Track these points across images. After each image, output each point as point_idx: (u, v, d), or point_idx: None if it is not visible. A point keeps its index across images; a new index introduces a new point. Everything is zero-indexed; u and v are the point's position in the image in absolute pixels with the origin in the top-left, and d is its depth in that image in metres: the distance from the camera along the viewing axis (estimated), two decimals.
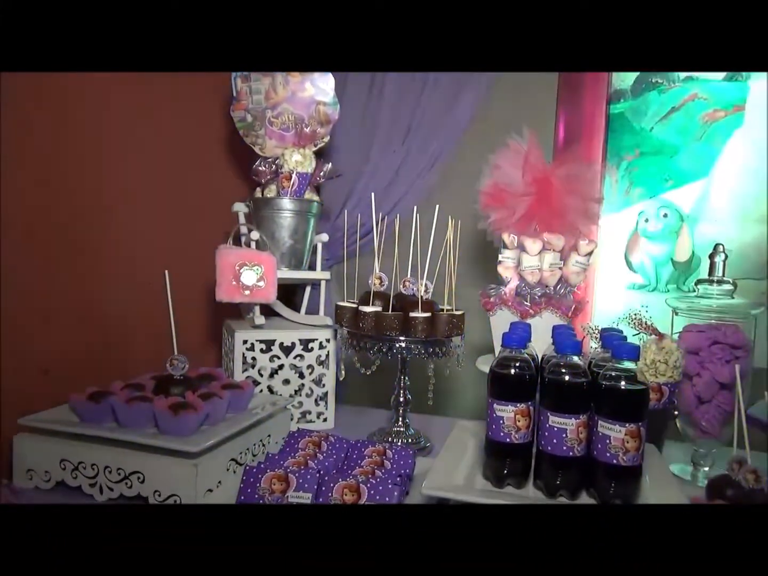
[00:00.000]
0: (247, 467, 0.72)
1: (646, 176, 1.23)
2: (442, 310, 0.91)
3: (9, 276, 0.83)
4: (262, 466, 0.73)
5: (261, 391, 1.01)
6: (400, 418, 1.00)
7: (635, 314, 0.84)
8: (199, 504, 0.70)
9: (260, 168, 1.09)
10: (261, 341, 1.01)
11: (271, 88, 1.09)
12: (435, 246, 0.91)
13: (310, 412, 1.05)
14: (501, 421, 0.66)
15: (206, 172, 1.22)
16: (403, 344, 0.89)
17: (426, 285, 0.92)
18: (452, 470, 0.70)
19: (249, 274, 0.97)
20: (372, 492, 0.69)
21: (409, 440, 0.97)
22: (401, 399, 0.99)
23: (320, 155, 1.15)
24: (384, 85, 1.25)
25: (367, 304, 0.91)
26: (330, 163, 1.13)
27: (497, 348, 0.89)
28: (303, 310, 1.15)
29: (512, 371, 0.66)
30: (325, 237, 1.15)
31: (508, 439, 0.66)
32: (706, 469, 0.87)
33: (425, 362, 0.94)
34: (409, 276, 0.94)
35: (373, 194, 0.96)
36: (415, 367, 1.00)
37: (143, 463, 0.71)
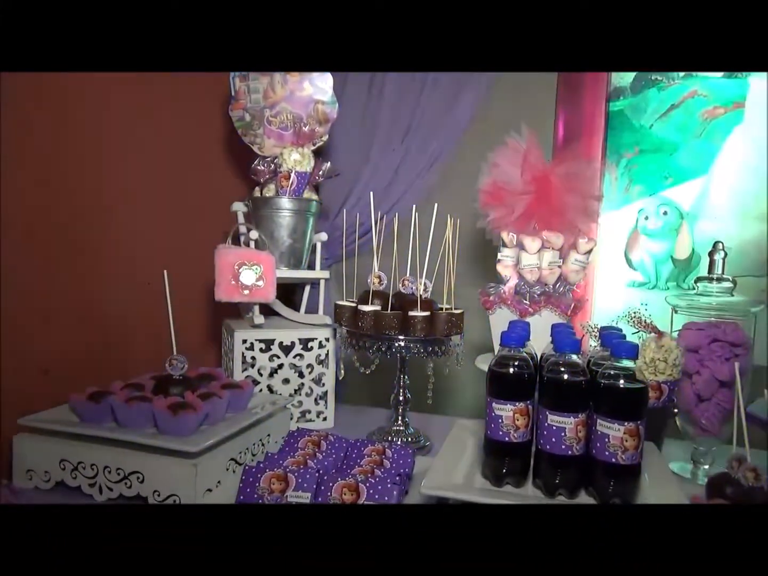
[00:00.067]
0: (247, 467, 0.72)
1: (645, 174, 1.22)
2: (441, 309, 0.91)
3: (9, 276, 0.83)
4: (261, 465, 0.73)
5: (261, 390, 1.01)
6: (400, 417, 1.00)
7: (634, 312, 0.83)
8: (198, 504, 0.70)
9: (259, 167, 1.09)
10: (260, 341, 1.01)
11: (269, 87, 1.09)
12: (434, 245, 0.91)
13: (309, 412, 1.05)
14: (500, 420, 0.66)
15: (205, 171, 1.22)
16: (402, 343, 0.89)
17: (425, 284, 0.92)
18: (451, 469, 0.70)
19: (248, 273, 0.97)
20: (371, 491, 0.69)
21: (409, 439, 0.97)
22: (401, 398, 1.00)
23: (319, 154, 1.15)
24: (384, 84, 1.25)
25: (366, 303, 0.91)
26: (329, 162, 1.12)
27: (497, 347, 0.89)
28: (302, 309, 1.15)
29: (511, 370, 0.66)
30: (324, 236, 1.15)
31: (506, 438, 0.66)
32: (706, 467, 0.87)
33: (424, 361, 0.94)
34: (408, 275, 0.94)
35: (372, 193, 0.96)
36: (414, 366, 1.00)
37: (143, 463, 0.72)
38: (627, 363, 0.63)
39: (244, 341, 1.00)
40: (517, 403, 0.65)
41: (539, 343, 0.75)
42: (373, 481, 0.70)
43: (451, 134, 1.25)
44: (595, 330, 0.83)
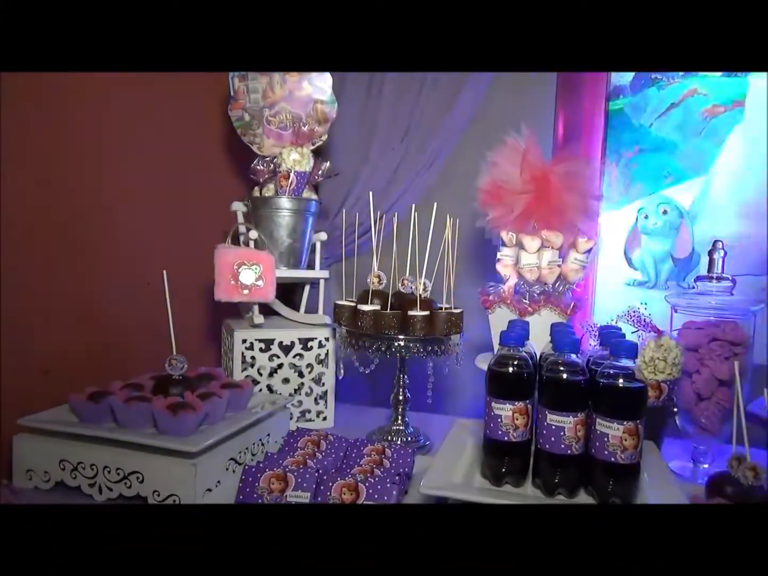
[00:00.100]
0: (246, 467, 0.72)
1: (645, 172, 1.22)
2: (441, 308, 0.91)
3: (9, 276, 0.83)
4: (261, 465, 0.73)
5: (260, 390, 1.01)
6: (400, 417, 1.00)
7: (633, 311, 0.83)
8: (198, 504, 0.70)
9: (258, 167, 1.09)
10: (260, 340, 1.01)
11: (268, 87, 1.09)
12: (433, 244, 0.91)
13: (309, 411, 1.05)
14: (499, 420, 0.66)
15: (204, 171, 1.22)
16: (402, 343, 0.89)
17: (425, 283, 0.92)
18: (451, 469, 0.70)
19: (247, 273, 0.97)
20: (370, 491, 0.69)
21: (409, 439, 0.97)
22: (400, 397, 1.00)
23: (318, 154, 1.15)
24: (383, 84, 1.25)
25: (365, 302, 0.91)
26: (328, 162, 1.12)
27: (496, 346, 0.89)
28: (302, 309, 1.15)
29: (510, 369, 0.66)
30: (323, 236, 1.15)
31: (506, 438, 0.66)
32: (706, 466, 0.87)
33: (424, 361, 0.94)
34: (407, 274, 0.94)
35: (371, 193, 0.96)
36: (414, 365, 1.00)
37: (142, 463, 0.72)
38: (626, 362, 0.63)
39: (244, 341, 1.00)
40: (516, 403, 0.65)
41: (539, 342, 0.75)
42: (372, 480, 0.70)
43: (451, 134, 1.25)
44: (595, 329, 0.83)
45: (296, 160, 1.06)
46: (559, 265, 0.94)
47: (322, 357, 1.05)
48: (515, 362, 0.66)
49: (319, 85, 1.11)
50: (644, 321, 0.83)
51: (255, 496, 0.70)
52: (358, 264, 0.98)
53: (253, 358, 1.01)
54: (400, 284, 0.94)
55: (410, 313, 0.88)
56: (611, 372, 0.63)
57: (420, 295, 0.90)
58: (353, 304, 0.93)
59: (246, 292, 0.97)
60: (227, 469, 0.77)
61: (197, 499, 0.70)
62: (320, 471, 0.73)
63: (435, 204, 0.93)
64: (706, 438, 0.86)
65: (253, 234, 1.04)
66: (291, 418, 1.01)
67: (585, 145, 1.20)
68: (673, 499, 0.63)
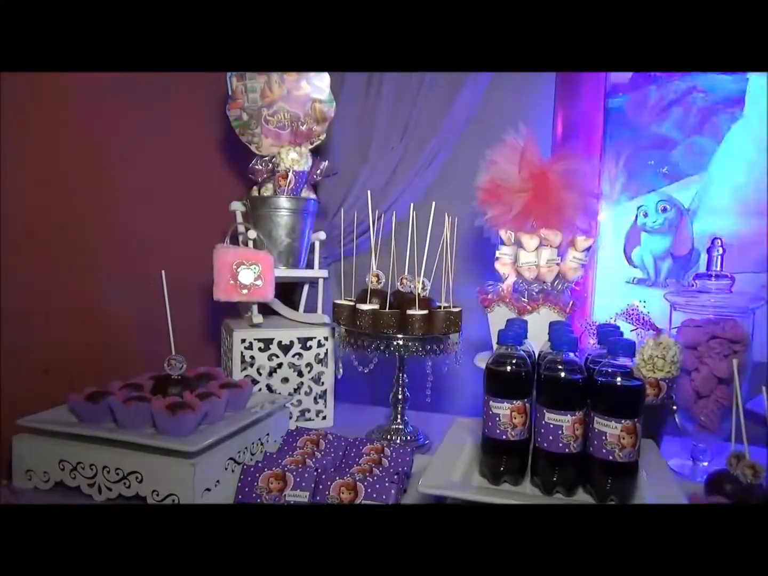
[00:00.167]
0: (245, 466, 0.72)
1: (644, 170, 1.22)
2: (440, 307, 0.91)
3: (9, 276, 0.83)
4: (259, 465, 0.73)
5: (260, 389, 1.01)
6: (399, 416, 1.00)
7: (632, 309, 0.83)
8: (197, 504, 0.70)
9: (257, 167, 1.09)
10: (259, 340, 1.01)
11: (266, 86, 1.09)
12: (432, 243, 0.91)
13: (309, 411, 1.05)
14: (497, 419, 0.66)
15: (203, 171, 1.22)
16: (401, 342, 0.89)
17: (423, 282, 0.92)
18: (449, 468, 0.70)
19: (246, 273, 0.97)
20: (369, 490, 0.69)
21: (408, 438, 0.97)
22: (399, 396, 1.00)
23: (317, 153, 1.15)
24: (382, 83, 1.25)
25: (364, 302, 0.91)
26: (327, 161, 1.12)
27: (495, 345, 0.89)
28: (301, 308, 1.15)
29: (508, 368, 0.66)
30: (322, 235, 1.15)
31: (504, 437, 0.66)
32: (705, 464, 0.87)
33: (423, 360, 0.94)
34: (406, 273, 0.94)
35: (369, 192, 0.96)
36: (413, 364, 1.00)
37: (141, 463, 0.72)
38: (624, 361, 0.63)
39: (243, 340, 1.00)
40: (514, 402, 0.65)
41: (537, 341, 0.75)
42: (371, 479, 0.70)
43: (450, 133, 1.25)
44: (593, 327, 0.83)
45: (295, 159, 1.06)
46: (557, 264, 0.94)
47: (322, 356, 1.05)
48: (513, 361, 0.66)
49: (317, 85, 1.11)
50: (643, 319, 0.83)
51: (254, 495, 0.70)
52: (357, 263, 0.98)
53: (252, 357, 1.01)
54: (398, 283, 0.94)
55: (409, 312, 0.88)
56: (609, 370, 0.63)
57: (419, 294, 0.90)
58: (352, 303, 0.93)
59: (245, 291, 0.97)
60: (226, 469, 0.77)
61: (196, 498, 0.70)
62: (319, 470, 0.73)
63: (433, 203, 0.93)
64: (706, 436, 0.86)
65: (252, 234, 1.04)
66: (290, 418, 1.01)
67: (584, 143, 1.19)
68: (672, 498, 0.63)
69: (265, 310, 1.07)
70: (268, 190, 1.10)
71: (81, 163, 0.95)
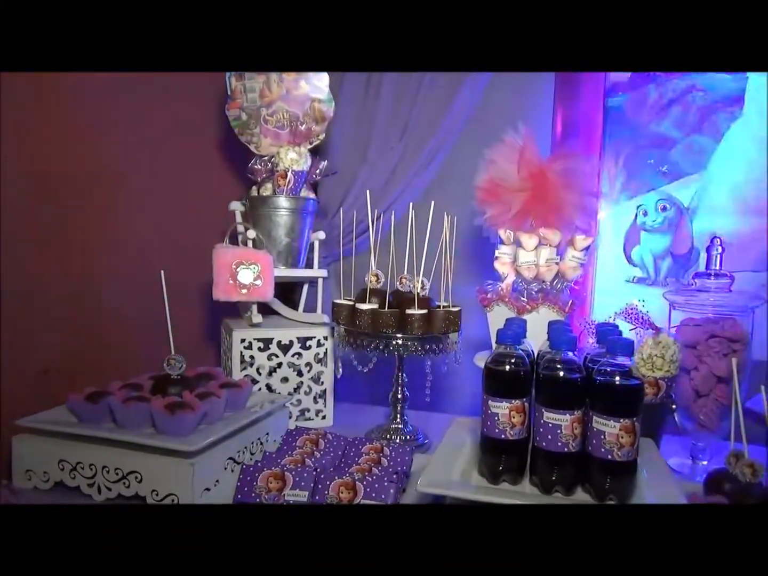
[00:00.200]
0: (244, 466, 0.72)
1: (644, 169, 1.22)
2: (439, 306, 0.91)
3: (9, 276, 0.83)
4: (259, 464, 0.73)
5: (259, 389, 1.01)
6: (398, 415, 1.00)
7: (631, 309, 0.83)
8: (196, 504, 0.70)
9: (256, 166, 1.09)
10: (259, 339, 1.01)
11: (265, 86, 1.09)
12: (431, 242, 0.91)
13: (308, 410, 1.05)
14: (496, 418, 0.66)
15: (202, 171, 1.22)
16: (400, 341, 0.89)
17: (423, 282, 0.92)
18: (448, 467, 0.70)
19: (246, 272, 0.97)
20: (368, 489, 0.69)
21: (407, 437, 0.97)
22: (399, 396, 1.00)
23: (316, 153, 1.15)
24: (381, 83, 1.25)
25: (363, 301, 0.91)
26: (326, 161, 1.12)
27: (494, 344, 0.89)
28: (301, 308, 1.15)
29: (506, 368, 0.66)
30: (321, 234, 1.15)
31: (503, 436, 0.66)
32: (705, 463, 0.87)
33: (423, 359, 0.94)
34: (405, 273, 0.94)
35: (368, 192, 0.96)
36: (413, 363, 1.00)
37: (141, 462, 0.72)
38: (622, 360, 0.63)
39: (243, 340, 1.01)
40: (513, 401, 0.65)
41: (537, 340, 0.75)
42: (370, 479, 0.70)
43: (449, 132, 1.25)
44: (592, 326, 0.83)
45: (294, 159, 1.06)
46: (557, 263, 0.94)
47: (321, 356, 1.05)
48: (512, 360, 0.66)
49: (316, 84, 1.11)
50: (642, 318, 0.83)
51: (253, 495, 0.70)
52: (356, 263, 0.98)
53: (251, 357, 1.01)
54: (398, 283, 0.94)
55: (408, 311, 0.88)
56: (608, 369, 0.63)
57: (418, 293, 0.90)
58: (351, 302, 0.93)
59: (244, 291, 0.97)
60: (226, 469, 0.77)
61: (195, 498, 0.70)
62: (318, 470, 0.73)
63: (432, 202, 0.93)
64: (705, 435, 0.86)
65: (251, 233, 1.04)
66: (290, 417, 1.01)
67: (583, 142, 1.19)
68: (671, 497, 0.63)
69: (265, 309, 1.07)
70: (267, 189, 1.10)
71: (80, 163, 0.95)
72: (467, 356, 0.97)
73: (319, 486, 0.70)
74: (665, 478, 0.69)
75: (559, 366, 0.64)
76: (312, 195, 1.13)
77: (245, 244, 1.06)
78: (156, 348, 0.88)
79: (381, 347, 0.89)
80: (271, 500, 0.70)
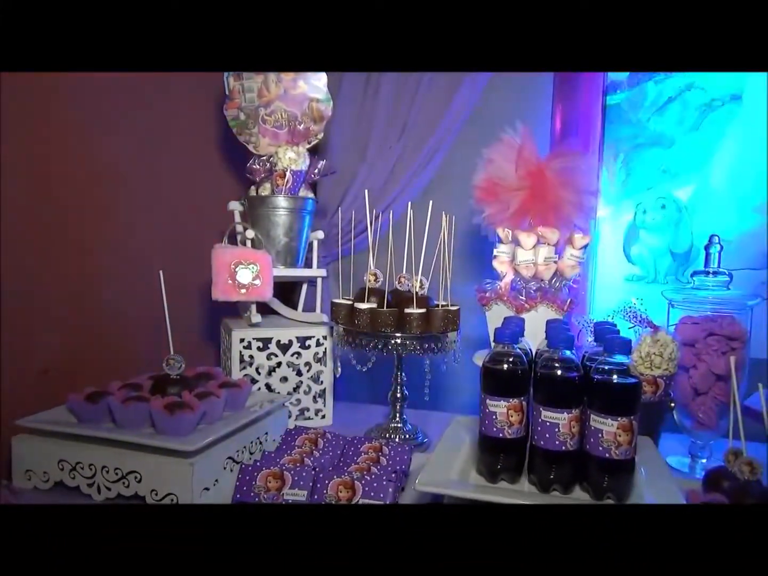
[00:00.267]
0: (243, 465, 0.72)
1: (643, 167, 1.22)
2: (438, 305, 0.91)
3: (9, 276, 0.84)
4: (258, 464, 0.73)
5: (259, 389, 1.01)
6: (398, 414, 1.00)
7: (629, 307, 0.83)
8: (196, 503, 0.70)
9: (254, 166, 1.09)
10: (258, 339, 1.02)
11: (263, 86, 1.09)
12: (430, 242, 0.91)
13: (308, 410, 1.06)
14: (494, 417, 0.66)
15: (201, 171, 1.22)
16: (399, 340, 0.89)
17: (421, 281, 0.92)
18: (447, 466, 0.70)
19: (244, 272, 0.97)
20: (366, 489, 0.69)
21: (407, 436, 0.97)
22: (398, 395, 1.00)
23: (315, 152, 1.15)
24: (380, 83, 1.25)
25: (362, 300, 0.91)
26: (324, 160, 1.12)
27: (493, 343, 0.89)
28: (300, 307, 1.15)
29: (504, 366, 0.66)
30: (320, 234, 1.15)
31: (501, 435, 0.66)
32: (704, 460, 0.87)
33: (422, 358, 0.94)
34: (404, 272, 0.94)
35: (367, 191, 0.96)
36: (412, 363, 1.00)
37: (140, 462, 0.72)
38: (620, 358, 0.63)
39: (242, 340, 1.01)
40: (511, 400, 0.65)
41: (536, 339, 0.75)
42: (369, 478, 0.70)
43: (448, 132, 1.25)
44: (590, 325, 0.83)
45: (292, 158, 1.06)
46: (555, 262, 0.94)
47: (320, 355, 1.05)
48: (509, 359, 0.66)
49: (314, 84, 1.11)
50: (640, 316, 0.83)
51: (252, 494, 0.70)
52: (357, 262, 0.98)
53: (251, 356, 1.01)
54: (396, 282, 0.94)
55: (407, 310, 0.88)
56: (605, 368, 0.63)
57: (416, 292, 0.90)
58: (350, 302, 0.93)
59: (243, 291, 0.98)
60: (225, 468, 0.77)
61: (194, 498, 0.71)
62: (317, 469, 0.73)
63: (431, 202, 0.93)
64: (704, 433, 0.86)
65: (250, 233, 1.04)
66: (290, 417, 1.01)
67: (582, 140, 1.19)
68: (669, 495, 0.63)
69: (264, 309, 1.07)
70: (266, 189, 1.10)
71: (80, 163, 0.95)
72: (466, 355, 0.97)
73: (318, 485, 0.70)
74: (663, 476, 0.69)
75: (556, 365, 0.64)
76: (311, 194, 1.13)
77: (244, 243, 1.06)
78: (156, 348, 0.88)
79: (380, 346, 0.89)
80: (270, 499, 0.70)
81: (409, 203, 0.95)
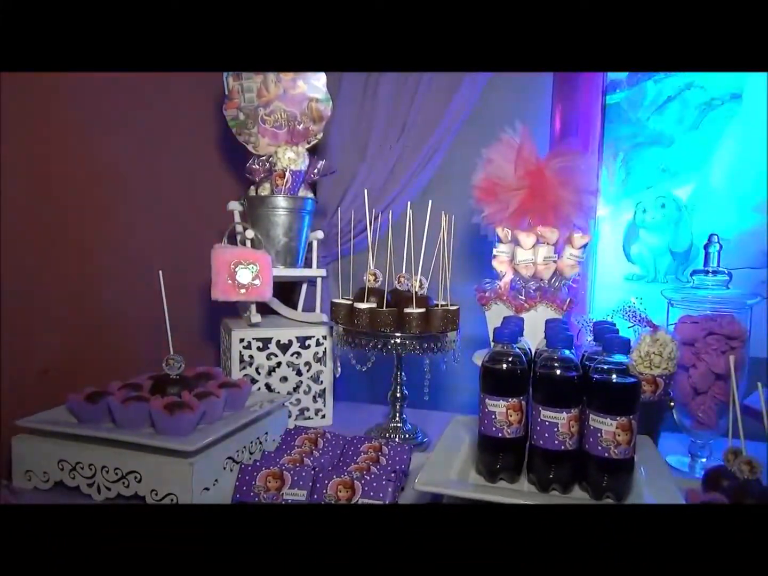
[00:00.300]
0: (243, 465, 0.73)
1: (643, 166, 1.22)
2: (437, 305, 0.91)
3: (9, 276, 0.84)
4: (257, 464, 0.73)
5: (259, 388, 1.01)
6: (398, 414, 1.00)
7: (628, 306, 0.83)
8: (195, 503, 0.70)
9: (254, 166, 1.09)
10: (258, 339, 1.02)
11: (262, 86, 1.09)
12: (429, 241, 0.91)
13: (308, 409, 1.06)
14: (493, 416, 0.66)
15: (201, 171, 1.23)
16: (398, 340, 0.89)
17: (421, 280, 0.92)
18: (446, 465, 0.70)
19: (244, 272, 0.97)
20: (366, 488, 0.69)
21: (407, 436, 0.97)
22: (398, 395, 1.00)
23: (314, 152, 1.15)
24: (379, 83, 1.25)
25: (362, 300, 0.91)
26: (324, 160, 1.12)
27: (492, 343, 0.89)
28: (300, 307, 1.15)
29: (503, 366, 0.66)
30: (320, 234, 1.15)
31: (500, 434, 0.66)
32: (704, 460, 0.87)
33: (421, 358, 0.94)
34: (403, 272, 0.94)
35: (366, 191, 0.96)
36: (412, 362, 1.00)
37: (140, 462, 0.72)
38: (619, 358, 0.63)
39: (242, 340, 1.01)
40: (510, 399, 0.65)
41: (535, 338, 0.75)
42: (368, 478, 0.70)
43: (447, 131, 1.24)
44: (590, 324, 0.83)
45: (291, 158, 1.06)
46: (554, 261, 0.94)
47: (320, 355, 1.05)
48: (508, 359, 0.66)
49: (313, 84, 1.11)
50: (639, 316, 0.83)
51: (252, 494, 0.70)
52: (357, 262, 0.98)
53: (251, 356, 1.02)
54: (396, 282, 0.94)
55: (406, 310, 0.88)
56: (604, 367, 0.63)
57: (416, 292, 0.90)
58: (350, 302, 0.93)
59: (243, 291, 0.98)
60: (225, 468, 0.77)
61: (194, 498, 0.71)
62: (316, 469, 0.73)
63: (430, 201, 0.93)
64: (703, 432, 0.86)
65: (250, 233, 1.04)
66: (290, 417, 1.01)
67: (582, 139, 1.19)
68: (668, 494, 0.63)
69: (264, 309, 1.08)
70: (265, 189, 1.10)
71: (80, 163, 0.96)
72: (466, 355, 0.97)
73: (318, 485, 0.70)
74: (663, 475, 0.69)
75: (556, 364, 0.64)
76: (310, 194, 1.13)
77: (244, 243, 1.06)
78: (155, 348, 0.88)
79: (379, 346, 0.89)
80: (270, 499, 0.70)
81: (409, 203, 0.95)
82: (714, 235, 0.90)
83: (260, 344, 1.02)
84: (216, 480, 0.75)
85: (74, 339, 0.95)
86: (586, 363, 0.68)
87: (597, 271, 1.24)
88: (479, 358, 0.91)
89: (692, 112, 1.18)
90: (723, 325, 0.83)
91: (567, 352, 0.65)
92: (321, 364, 1.06)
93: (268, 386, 1.03)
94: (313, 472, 0.71)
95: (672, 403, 0.86)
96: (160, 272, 0.86)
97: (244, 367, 1.01)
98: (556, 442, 0.64)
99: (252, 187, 1.12)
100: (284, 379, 1.04)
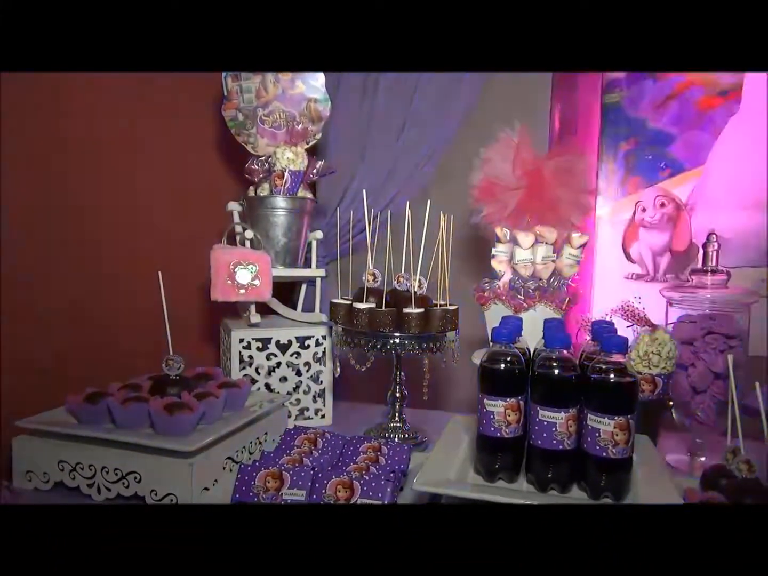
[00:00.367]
0: (242, 465, 0.73)
1: (642, 165, 1.22)
2: (436, 305, 0.91)
3: (9, 276, 0.84)
4: (257, 464, 0.73)
5: (258, 389, 1.01)
6: (397, 414, 1.00)
7: (627, 306, 0.83)
8: (195, 503, 0.71)
9: (253, 167, 1.10)
10: (257, 339, 1.02)
11: (261, 86, 1.09)
12: (428, 241, 0.91)
13: (308, 409, 1.06)
14: (491, 416, 0.66)
15: (200, 171, 1.23)
16: (398, 340, 0.89)
17: (420, 280, 0.92)
18: (445, 465, 0.70)
19: (244, 273, 0.97)
20: (365, 488, 0.69)
21: (406, 435, 0.98)
22: (397, 395, 1.00)
23: (313, 152, 1.15)
24: (378, 82, 1.25)
25: (361, 300, 0.91)
26: (323, 160, 1.12)
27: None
28: (299, 307, 1.16)
29: (502, 366, 0.66)
30: (319, 234, 1.15)
31: (498, 434, 0.66)
32: (703, 459, 0.87)
33: (421, 358, 0.94)
34: (402, 272, 0.94)
35: (365, 191, 0.96)
36: (411, 362, 1.00)
37: (140, 463, 0.72)
38: (617, 357, 0.63)
39: (241, 340, 1.01)
40: (508, 399, 0.66)
41: (534, 338, 0.75)
42: (367, 478, 0.70)
43: (446, 130, 1.24)
44: (588, 324, 0.83)
45: (290, 159, 1.07)
46: (553, 261, 0.94)
47: (320, 355, 1.06)
48: (507, 359, 0.66)
49: (312, 84, 1.11)
50: (638, 315, 0.83)
51: (251, 494, 0.71)
52: (356, 262, 0.98)
53: (250, 357, 1.02)
54: (395, 281, 0.94)
55: (405, 310, 0.88)
56: (602, 367, 0.63)
57: (415, 292, 0.90)
58: (349, 302, 0.93)
59: (242, 291, 0.98)
60: (224, 468, 0.77)
61: (194, 498, 0.71)
62: (316, 469, 0.73)
63: (429, 201, 0.93)
64: (702, 431, 0.86)
65: (249, 234, 1.04)
66: (289, 417, 1.01)
67: (581, 138, 1.19)
68: (666, 494, 0.63)
69: (263, 309, 1.08)
70: (264, 190, 1.10)
71: (79, 163, 0.96)
72: (465, 354, 0.97)
73: (317, 485, 0.71)
74: (661, 475, 0.69)
75: (554, 364, 0.65)
76: (309, 195, 1.13)
77: (243, 244, 1.06)
78: (155, 348, 0.89)
79: (378, 346, 0.90)
80: (269, 499, 0.70)
81: (408, 203, 0.95)
82: (713, 233, 0.90)
83: (260, 344, 1.02)
84: (215, 480, 0.75)
85: (74, 339, 0.95)
86: (585, 362, 0.68)
87: (596, 271, 1.24)
88: (478, 357, 0.92)
89: (691, 111, 1.17)
90: (722, 324, 0.83)
91: (565, 351, 0.65)
92: (320, 364, 1.06)
93: (267, 386, 1.03)
94: (312, 472, 0.72)
95: (671, 403, 0.86)
96: (159, 273, 0.86)
97: (244, 368, 1.01)
98: (555, 441, 0.64)
99: (251, 188, 1.13)
100: (284, 379, 1.04)
